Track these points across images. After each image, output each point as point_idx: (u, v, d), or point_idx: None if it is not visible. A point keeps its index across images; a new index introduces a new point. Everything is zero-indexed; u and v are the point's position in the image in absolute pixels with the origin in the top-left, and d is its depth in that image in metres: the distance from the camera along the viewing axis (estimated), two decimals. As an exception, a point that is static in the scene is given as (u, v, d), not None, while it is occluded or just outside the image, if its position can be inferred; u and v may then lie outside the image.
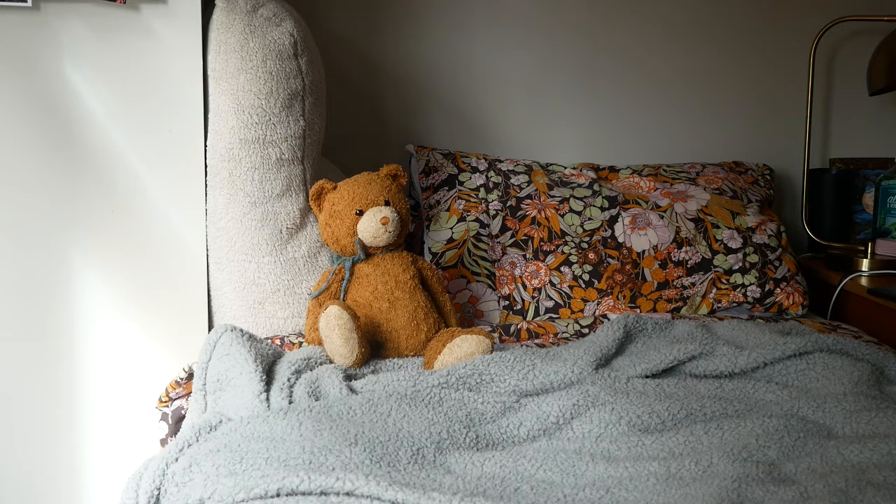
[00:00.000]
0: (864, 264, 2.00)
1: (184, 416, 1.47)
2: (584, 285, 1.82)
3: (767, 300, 1.86)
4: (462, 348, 1.41)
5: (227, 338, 1.38)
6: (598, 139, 2.23)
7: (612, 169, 2.06)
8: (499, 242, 1.85)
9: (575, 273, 1.83)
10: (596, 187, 1.94)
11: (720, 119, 2.26)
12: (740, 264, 1.87)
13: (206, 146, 1.60)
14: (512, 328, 1.70)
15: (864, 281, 1.94)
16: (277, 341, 1.59)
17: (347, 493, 0.96)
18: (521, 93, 2.19)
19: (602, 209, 1.90)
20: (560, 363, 1.33)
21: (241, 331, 1.39)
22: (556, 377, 1.30)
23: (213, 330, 1.43)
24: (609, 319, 1.73)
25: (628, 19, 2.21)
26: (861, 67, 2.20)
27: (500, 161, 1.99)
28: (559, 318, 1.78)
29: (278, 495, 0.97)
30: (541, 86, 2.20)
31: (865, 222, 2.18)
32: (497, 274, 1.82)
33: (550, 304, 1.81)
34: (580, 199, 1.91)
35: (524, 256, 1.84)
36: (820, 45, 2.17)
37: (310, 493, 0.97)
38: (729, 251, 1.88)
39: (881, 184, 2.02)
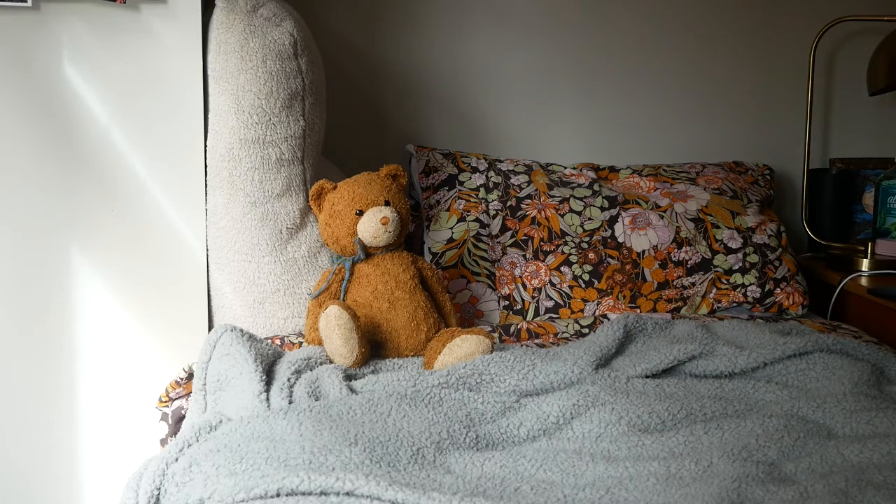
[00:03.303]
0: (864, 264, 2.00)
1: (184, 416, 1.47)
2: (584, 285, 1.82)
3: (767, 300, 1.86)
4: (462, 348, 1.41)
5: (228, 338, 1.38)
6: (598, 139, 2.23)
7: (612, 169, 2.06)
8: (499, 242, 1.85)
9: (575, 273, 1.83)
10: (596, 187, 1.94)
11: (720, 119, 2.26)
12: (740, 264, 1.87)
13: (206, 146, 1.60)
14: (512, 328, 1.70)
15: (864, 281, 1.93)
16: (277, 341, 1.59)
17: (347, 493, 0.96)
18: (521, 93, 2.19)
19: (602, 209, 1.89)
20: (560, 363, 1.33)
21: (241, 331, 1.39)
22: (556, 377, 1.31)
23: (213, 330, 1.43)
24: (609, 319, 1.73)
25: (628, 20, 2.21)
26: (861, 67, 2.20)
27: (500, 161, 1.99)
28: (559, 318, 1.79)
29: (278, 495, 0.97)
30: (541, 86, 2.20)
31: (865, 222, 2.18)
32: (497, 274, 1.82)
33: (550, 304, 1.81)
34: (580, 199, 1.91)
35: (524, 256, 1.83)
36: (820, 45, 2.17)
37: (310, 493, 0.97)
38: (729, 251, 1.88)
39: (881, 184, 2.02)
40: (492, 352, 1.41)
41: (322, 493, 0.96)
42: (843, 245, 2.11)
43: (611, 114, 2.23)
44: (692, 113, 2.25)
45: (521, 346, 1.56)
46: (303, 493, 0.97)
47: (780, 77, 2.26)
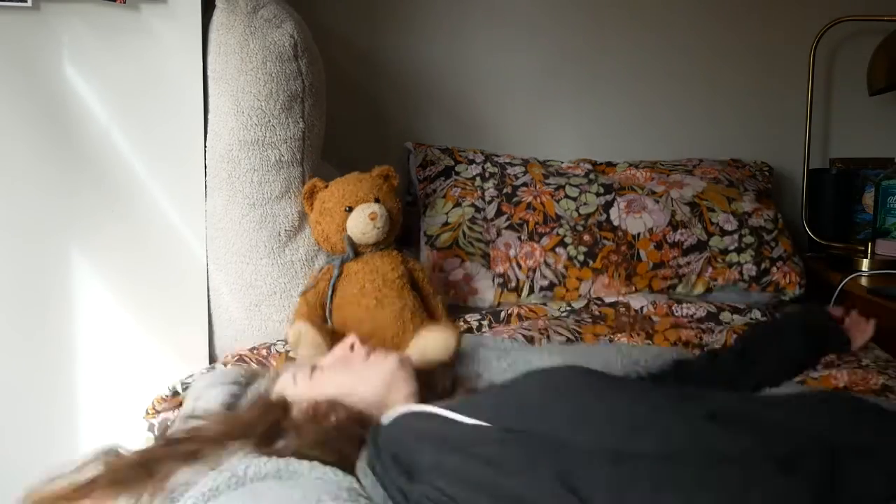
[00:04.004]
0: (864, 264, 2.00)
1: (169, 428, 1.45)
2: (578, 265, 1.81)
3: (764, 279, 1.85)
4: (426, 340, 1.35)
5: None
6: (597, 140, 2.22)
7: (609, 164, 2.05)
8: (493, 225, 1.83)
9: (570, 254, 1.82)
10: (592, 176, 1.93)
11: (720, 119, 2.26)
12: (736, 244, 1.87)
13: (205, 147, 1.60)
14: (502, 314, 1.68)
15: (864, 281, 1.93)
16: (265, 351, 1.55)
17: None
18: (520, 93, 2.19)
19: (598, 195, 1.89)
20: None
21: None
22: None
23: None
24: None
25: (628, 20, 2.21)
26: (861, 67, 2.20)
27: (497, 156, 1.99)
28: (553, 299, 1.78)
29: None
30: (540, 86, 2.20)
31: (865, 222, 2.18)
32: (492, 254, 1.80)
33: (545, 282, 1.79)
34: (576, 186, 1.90)
35: (519, 238, 1.82)
36: (820, 45, 2.16)
37: None
38: (724, 233, 1.87)
39: (881, 184, 2.02)
40: (457, 345, 1.35)
41: None
42: (843, 245, 2.11)
43: (610, 114, 2.23)
44: (692, 113, 2.25)
45: (504, 339, 1.51)
46: None
47: (780, 77, 2.25)
